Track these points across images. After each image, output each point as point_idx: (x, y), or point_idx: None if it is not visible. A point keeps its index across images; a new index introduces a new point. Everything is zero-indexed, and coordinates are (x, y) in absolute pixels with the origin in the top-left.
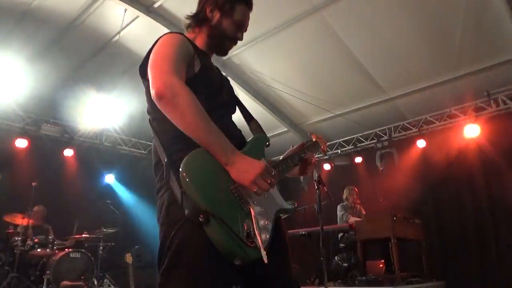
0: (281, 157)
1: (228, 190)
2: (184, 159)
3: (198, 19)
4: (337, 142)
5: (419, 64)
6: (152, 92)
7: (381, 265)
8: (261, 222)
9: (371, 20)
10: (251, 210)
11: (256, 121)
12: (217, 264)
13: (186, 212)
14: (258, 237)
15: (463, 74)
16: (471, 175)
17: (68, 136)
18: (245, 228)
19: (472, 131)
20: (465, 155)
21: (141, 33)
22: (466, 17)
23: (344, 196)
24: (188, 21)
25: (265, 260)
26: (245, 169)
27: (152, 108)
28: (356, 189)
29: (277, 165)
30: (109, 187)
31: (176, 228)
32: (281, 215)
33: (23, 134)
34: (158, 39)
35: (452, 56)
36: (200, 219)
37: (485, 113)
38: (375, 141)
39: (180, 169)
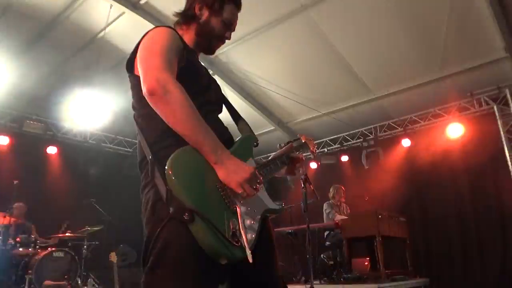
0: (270, 157)
1: (214, 189)
2: (171, 156)
3: (186, 17)
4: (323, 141)
5: (404, 64)
6: (144, 88)
7: (366, 263)
8: (247, 222)
9: (357, 20)
10: (238, 209)
11: (245, 120)
12: (202, 263)
13: (171, 210)
14: (244, 237)
15: (447, 75)
16: (455, 173)
17: (52, 134)
18: (231, 227)
19: (455, 130)
20: (449, 154)
21: (127, 29)
22: (451, 18)
23: (331, 195)
24: (176, 19)
25: (250, 260)
26: (233, 171)
27: (138, 104)
28: (343, 188)
29: (265, 165)
30: (93, 185)
31: (161, 227)
32: (268, 215)
33: (4, 131)
34: (147, 32)
35: (436, 56)
36: (185, 217)
37: (468, 113)
38: (361, 140)
39: (166, 166)
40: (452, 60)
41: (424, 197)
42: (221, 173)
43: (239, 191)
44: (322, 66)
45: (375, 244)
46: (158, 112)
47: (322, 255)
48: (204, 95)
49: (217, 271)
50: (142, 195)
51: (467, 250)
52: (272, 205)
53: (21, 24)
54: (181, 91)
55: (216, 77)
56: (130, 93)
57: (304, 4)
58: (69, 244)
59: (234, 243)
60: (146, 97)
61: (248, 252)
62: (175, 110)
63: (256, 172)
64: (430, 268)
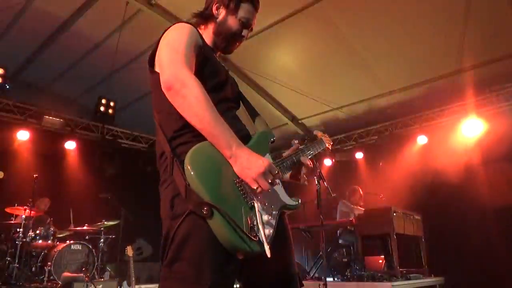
0: (285, 153)
1: (232, 184)
2: (189, 152)
3: (204, 17)
4: (338, 138)
5: (420, 57)
6: (162, 82)
7: (380, 261)
8: (265, 217)
9: (372, 14)
10: (255, 205)
11: (262, 117)
12: (220, 257)
13: (190, 205)
14: (262, 232)
15: (465, 68)
16: (472, 170)
17: (70, 129)
18: (249, 222)
19: (473, 127)
20: (466, 151)
21: (142, 27)
22: (469, 9)
23: (347, 194)
24: (194, 19)
25: (268, 254)
26: (248, 166)
27: (157, 100)
28: (361, 191)
29: (282, 161)
30: (111, 180)
31: (180, 221)
32: (285, 211)
33: (25, 126)
34: (167, 28)
35: (453, 49)
36: (204, 212)
37: (487, 109)
38: (376, 137)
39: (185, 162)
40: (469, 53)
41: (440, 195)
42: (236, 168)
43: (254, 186)
44: (337, 60)
45: (389, 242)
46: (175, 107)
47: (335, 252)
48: (221, 92)
49: (234, 265)
50: (161, 190)
51: (484, 249)
52: (289, 201)
53: (38, 23)
54: (198, 86)
55: (230, 73)
56: (144, 89)
57: None
58: (86, 237)
59: (252, 237)
60: (164, 91)
61: (266, 246)
62: (192, 104)
63: (273, 166)
64: (446, 267)
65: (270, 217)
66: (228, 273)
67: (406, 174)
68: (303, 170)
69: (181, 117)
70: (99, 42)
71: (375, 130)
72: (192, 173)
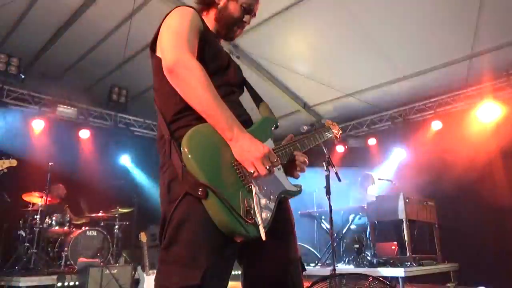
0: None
1: (230, 167)
2: (187, 133)
3: (205, 3)
4: (350, 124)
5: (434, 41)
6: (164, 66)
7: (393, 247)
8: (263, 201)
9: None
10: (253, 188)
11: (266, 103)
12: (217, 240)
13: (186, 186)
14: (258, 215)
15: (480, 51)
16: (489, 157)
17: (83, 118)
18: (246, 205)
19: (490, 112)
20: (482, 137)
21: (153, 14)
22: None
23: (360, 180)
24: (196, 5)
25: (263, 237)
26: (248, 149)
27: (158, 84)
28: (374, 177)
29: (282, 147)
30: (124, 168)
31: (176, 204)
32: (286, 196)
33: (40, 115)
34: (169, 12)
35: (468, 33)
36: (199, 193)
37: (504, 94)
38: (389, 123)
39: (182, 143)
40: (485, 37)
41: (454, 181)
42: (235, 150)
43: (251, 169)
44: (349, 45)
45: (402, 228)
46: (177, 89)
47: (347, 238)
48: (223, 76)
49: (232, 249)
50: (160, 174)
51: (500, 236)
52: (290, 187)
53: (49, 12)
54: (199, 69)
55: (240, 60)
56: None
57: None
58: (101, 223)
59: (248, 220)
60: (166, 75)
61: (262, 229)
62: (193, 87)
63: (273, 153)
64: (460, 254)
65: (268, 201)
66: (225, 256)
67: (419, 160)
68: (297, 167)
69: (181, 100)
70: (110, 30)
71: (389, 116)
72: (189, 155)
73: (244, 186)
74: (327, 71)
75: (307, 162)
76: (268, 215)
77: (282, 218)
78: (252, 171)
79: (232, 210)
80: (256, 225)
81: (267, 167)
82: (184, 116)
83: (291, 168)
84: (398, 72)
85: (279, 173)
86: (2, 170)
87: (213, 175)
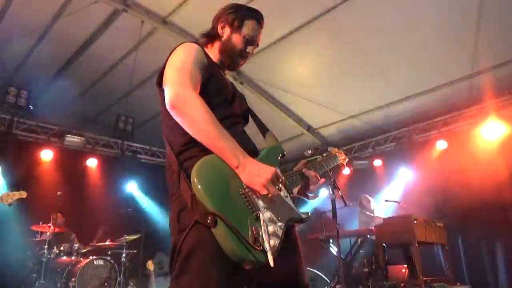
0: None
1: (238, 195)
2: (196, 165)
3: (210, 36)
4: (355, 146)
5: (434, 61)
6: (166, 102)
7: (403, 270)
8: (271, 228)
9: (383, 20)
10: (261, 216)
11: (272, 133)
12: (226, 268)
13: (196, 215)
14: (266, 242)
15: (481, 71)
16: (496, 175)
17: (90, 147)
18: (254, 232)
19: (495, 130)
20: (488, 155)
21: (158, 44)
22: (481, 11)
23: (364, 203)
24: (202, 39)
25: (271, 264)
26: (256, 173)
27: (165, 116)
28: (370, 198)
29: (290, 175)
30: (131, 196)
31: (185, 233)
32: (294, 223)
33: (48, 145)
34: (174, 48)
35: (468, 52)
36: (209, 222)
37: (507, 112)
38: (394, 143)
39: (192, 174)
40: (485, 55)
41: (462, 201)
42: (243, 177)
43: (264, 192)
44: (351, 68)
45: (411, 250)
46: (180, 124)
47: (356, 262)
48: (229, 107)
49: (241, 277)
50: (170, 205)
51: (510, 256)
52: (297, 214)
53: (57, 45)
54: (200, 103)
55: (244, 85)
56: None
57: (328, 7)
58: (109, 252)
59: (256, 247)
60: (169, 110)
61: (270, 256)
62: (195, 121)
63: (278, 172)
64: (472, 275)
65: (276, 229)
66: (234, 284)
67: (426, 180)
68: (310, 187)
69: (187, 132)
70: (117, 61)
71: (393, 137)
72: (198, 185)
73: (252, 214)
74: (330, 94)
75: (319, 177)
76: (276, 242)
77: (289, 245)
78: (265, 193)
79: (241, 237)
80: (264, 252)
81: (278, 187)
82: (191, 147)
83: (304, 189)
84: (400, 93)
85: (286, 200)
86: (13, 202)
87: (222, 204)
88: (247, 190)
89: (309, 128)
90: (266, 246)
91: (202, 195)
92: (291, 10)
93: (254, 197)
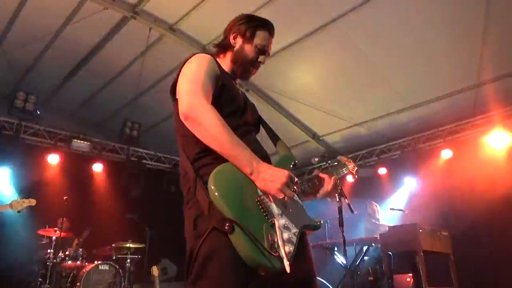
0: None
1: (253, 203)
2: (212, 173)
3: (222, 46)
4: (360, 154)
5: (440, 71)
6: (180, 112)
7: (408, 279)
8: (285, 235)
9: (389, 29)
10: (276, 223)
11: (283, 141)
12: (242, 274)
13: (213, 221)
14: (282, 248)
15: (486, 80)
16: (502, 184)
17: (97, 152)
18: (270, 239)
19: (501, 139)
20: (494, 165)
21: (165, 51)
22: (487, 21)
23: (370, 211)
24: (214, 49)
25: (288, 270)
26: (271, 178)
27: (179, 125)
28: (374, 205)
29: (303, 182)
30: (136, 201)
31: (202, 239)
32: (306, 231)
33: (55, 150)
34: (187, 59)
35: (474, 62)
36: (226, 228)
37: None
38: (399, 152)
39: (209, 182)
40: (491, 65)
41: (468, 211)
42: (259, 183)
43: (280, 196)
44: (356, 76)
45: (417, 259)
46: (194, 134)
47: (361, 270)
48: (241, 116)
49: (257, 283)
50: (185, 210)
51: None
52: (310, 221)
53: (65, 52)
54: (213, 112)
55: (250, 92)
56: (167, 112)
57: (334, 16)
58: (114, 257)
59: (273, 253)
60: (182, 120)
61: (286, 262)
62: (209, 131)
63: (293, 175)
64: (477, 285)
65: (290, 235)
66: None
67: (431, 189)
68: (323, 185)
69: (201, 141)
70: (124, 67)
71: (398, 145)
72: (215, 191)
73: (267, 221)
74: (336, 101)
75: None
76: (291, 248)
77: (302, 252)
78: (281, 197)
79: (258, 243)
80: (280, 259)
81: (293, 189)
82: (205, 155)
83: (317, 189)
84: (405, 102)
85: (299, 207)
86: (22, 209)
87: (238, 211)
88: (262, 197)
89: (314, 136)
90: (282, 252)
91: (219, 202)
92: (297, 19)
93: (269, 204)
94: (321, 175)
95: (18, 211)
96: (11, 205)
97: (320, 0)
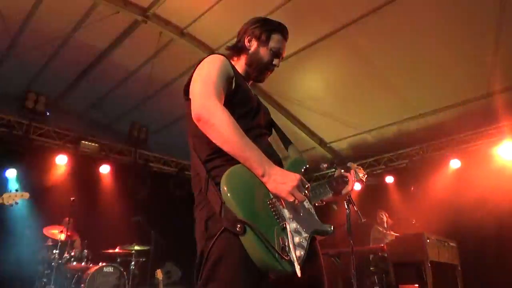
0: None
1: (265, 205)
2: (225, 174)
3: (237, 49)
4: (367, 162)
5: (449, 80)
6: (192, 113)
7: None
8: (296, 239)
9: (398, 37)
10: (287, 226)
11: (294, 145)
12: (252, 277)
13: (224, 222)
14: (293, 252)
15: (498, 89)
16: (510, 195)
17: (104, 154)
18: (281, 242)
19: (510, 150)
20: (502, 175)
21: (174, 55)
22: (500, 31)
23: (378, 220)
24: (228, 52)
25: (299, 274)
26: (282, 181)
27: (191, 127)
28: (381, 214)
29: (314, 187)
30: (141, 203)
31: (213, 241)
32: (316, 236)
33: (63, 151)
34: (202, 60)
35: (485, 72)
36: (237, 229)
37: None
38: (407, 161)
39: (221, 183)
40: (502, 75)
41: (476, 222)
42: (270, 185)
43: (291, 199)
44: (365, 84)
45: (423, 269)
46: (206, 135)
47: (367, 280)
48: (254, 119)
49: (267, 285)
50: (196, 211)
51: None
52: (321, 226)
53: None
54: (225, 114)
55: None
56: (175, 115)
57: (343, 24)
58: (118, 260)
59: (284, 257)
60: (195, 121)
61: (297, 266)
62: (221, 132)
63: (304, 179)
64: None
65: (301, 240)
66: None
67: (439, 199)
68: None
69: (213, 142)
70: (134, 70)
71: (406, 153)
72: (228, 193)
73: (279, 224)
74: (343, 109)
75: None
76: (302, 252)
77: (313, 257)
78: (292, 200)
79: (269, 246)
80: (291, 262)
81: (304, 193)
82: (217, 156)
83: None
84: (413, 110)
85: (310, 212)
86: (14, 202)
87: (250, 213)
88: (273, 200)
89: (321, 142)
90: (293, 256)
91: (231, 203)
92: (307, 25)
93: (281, 207)
94: (345, 173)
95: (11, 205)
96: (2, 198)
97: (330, 7)
